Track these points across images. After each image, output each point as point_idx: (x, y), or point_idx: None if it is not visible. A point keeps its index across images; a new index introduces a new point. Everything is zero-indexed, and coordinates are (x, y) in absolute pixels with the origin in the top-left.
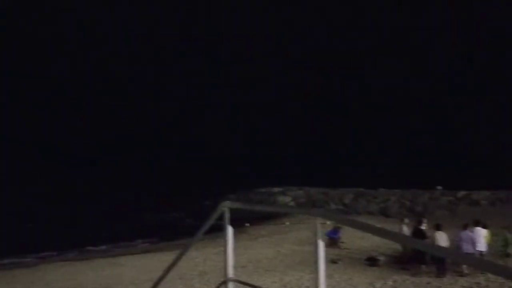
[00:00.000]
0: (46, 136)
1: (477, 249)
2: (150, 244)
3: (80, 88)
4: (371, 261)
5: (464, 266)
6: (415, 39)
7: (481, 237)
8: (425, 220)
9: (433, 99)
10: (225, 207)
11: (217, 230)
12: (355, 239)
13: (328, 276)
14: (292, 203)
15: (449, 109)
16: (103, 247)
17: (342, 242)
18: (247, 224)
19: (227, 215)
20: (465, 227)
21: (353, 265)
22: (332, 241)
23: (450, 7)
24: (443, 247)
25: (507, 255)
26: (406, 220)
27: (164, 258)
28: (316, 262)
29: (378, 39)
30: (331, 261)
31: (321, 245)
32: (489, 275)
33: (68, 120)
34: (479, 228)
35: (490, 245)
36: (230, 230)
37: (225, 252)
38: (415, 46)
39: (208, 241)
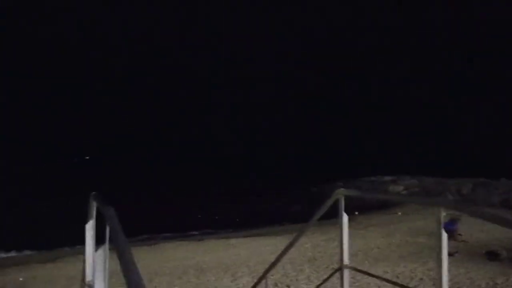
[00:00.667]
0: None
1: None
2: (259, 228)
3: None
4: (492, 256)
5: None
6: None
7: None
8: None
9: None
10: (340, 194)
11: (326, 217)
12: (473, 232)
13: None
14: (404, 193)
15: None
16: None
17: (459, 234)
18: (356, 213)
19: (342, 203)
20: None
21: (471, 258)
22: (449, 233)
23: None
24: None
25: None
26: None
27: (273, 242)
28: (438, 253)
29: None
30: (448, 254)
31: (444, 236)
32: None
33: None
34: None
35: None
36: (345, 217)
37: (340, 239)
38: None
39: (316, 227)
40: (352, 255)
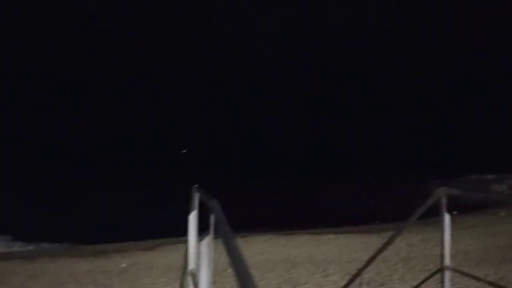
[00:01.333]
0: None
1: None
2: (351, 226)
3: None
4: None
5: None
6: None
7: None
8: None
9: None
10: (442, 193)
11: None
12: None
13: None
14: (508, 192)
15: None
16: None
17: None
18: (455, 212)
19: (444, 202)
20: None
21: None
22: None
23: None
24: None
25: None
26: None
27: (365, 240)
28: None
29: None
30: None
31: None
32: None
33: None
34: None
35: None
36: (447, 217)
37: (442, 240)
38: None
39: (411, 227)
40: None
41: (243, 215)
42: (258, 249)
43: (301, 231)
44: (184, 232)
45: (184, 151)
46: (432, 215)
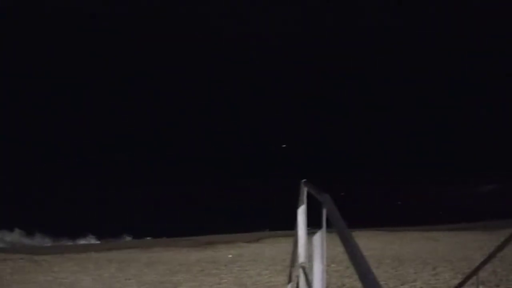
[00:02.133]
0: None
1: None
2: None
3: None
4: None
5: None
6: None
7: None
8: None
9: None
10: None
11: None
12: None
13: None
14: None
15: None
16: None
17: None
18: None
19: None
20: None
21: None
22: None
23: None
24: None
25: None
26: None
27: (480, 238)
28: None
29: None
30: None
31: None
32: None
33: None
34: None
35: None
36: None
37: None
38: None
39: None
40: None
41: (349, 211)
42: (363, 245)
43: (408, 227)
44: (284, 226)
45: (284, 146)
46: None
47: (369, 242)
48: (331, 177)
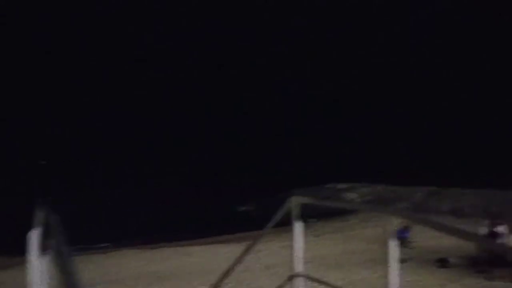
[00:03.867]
0: None
1: None
2: (218, 236)
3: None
4: (442, 263)
5: None
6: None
7: None
8: (500, 222)
9: None
10: (294, 201)
11: (284, 223)
12: (425, 239)
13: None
14: (358, 200)
15: None
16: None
17: (412, 242)
18: (313, 220)
19: (296, 210)
20: None
21: (422, 265)
22: (401, 240)
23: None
24: None
25: None
26: (484, 222)
27: (232, 249)
28: (388, 261)
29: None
30: (400, 261)
31: (393, 244)
32: None
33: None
34: None
35: None
36: (299, 225)
37: (293, 247)
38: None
39: (274, 234)
40: (307, 262)
41: (105, 229)
42: (123, 264)
43: (167, 243)
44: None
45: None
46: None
47: (130, 261)
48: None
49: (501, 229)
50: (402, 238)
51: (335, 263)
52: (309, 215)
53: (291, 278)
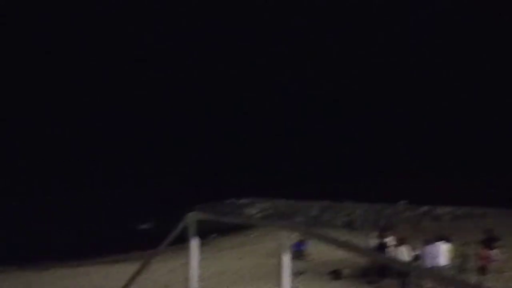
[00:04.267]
0: None
1: (439, 263)
2: (116, 255)
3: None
4: (335, 274)
5: (427, 281)
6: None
7: (443, 251)
8: (389, 234)
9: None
10: (191, 218)
11: (183, 241)
12: (321, 252)
13: None
14: (259, 215)
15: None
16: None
17: (308, 255)
18: (214, 235)
19: (192, 227)
20: (427, 242)
21: (317, 277)
22: (298, 253)
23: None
24: (406, 262)
25: (465, 269)
26: (373, 234)
27: (130, 268)
28: (281, 274)
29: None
30: (296, 273)
31: (286, 257)
32: None
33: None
34: (441, 243)
35: (451, 259)
36: (195, 241)
37: (189, 264)
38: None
39: (172, 252)
40: (205, 279)
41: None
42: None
43: (58, 263)
44: None
45: None
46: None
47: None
48: None
49: (389, 240)
50: (299, 251)
51: (234, 278)
52: (210, 231)
53: None
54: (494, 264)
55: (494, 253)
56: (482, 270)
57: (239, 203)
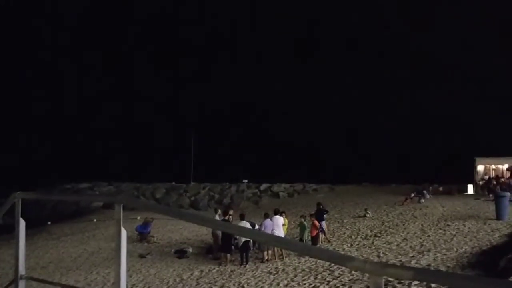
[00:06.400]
0: None
1: (277, 234)
2: None
3: None
4: (180, 254)
5: (265, 253)
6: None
7: (280, 224)
8: (231, 211)
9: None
10: (17, 197)
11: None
12: (165, 233)
13: (136, 270)
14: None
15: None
16: None
17: (152, 237)
18: (49, 223)
19: (19, 206)
20: (266, 216)
21: (162, 258)
22: (142, 236)
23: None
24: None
25: (301, 240)
26: (219, 211)
27: None
28: (118, 250)
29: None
30: (140, 256)
31: (123, 232)
32: (286, 260)
33: None
34: (278, 217)
35: (288, 231)
36: (22, 223)
37: (16, 247)
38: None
39: (2, 241)
40: (42, 267)
41: None
42: None
43: None
44: None
45: None
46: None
47: None
48: None
49: (231, 215)
50: (143, 233)
51: (72, 265)
52: (47, 218)
53: (13, 281)
54: (322, 235)
55: (324, 224)
56: (315, 240)
57: (78, 187)
